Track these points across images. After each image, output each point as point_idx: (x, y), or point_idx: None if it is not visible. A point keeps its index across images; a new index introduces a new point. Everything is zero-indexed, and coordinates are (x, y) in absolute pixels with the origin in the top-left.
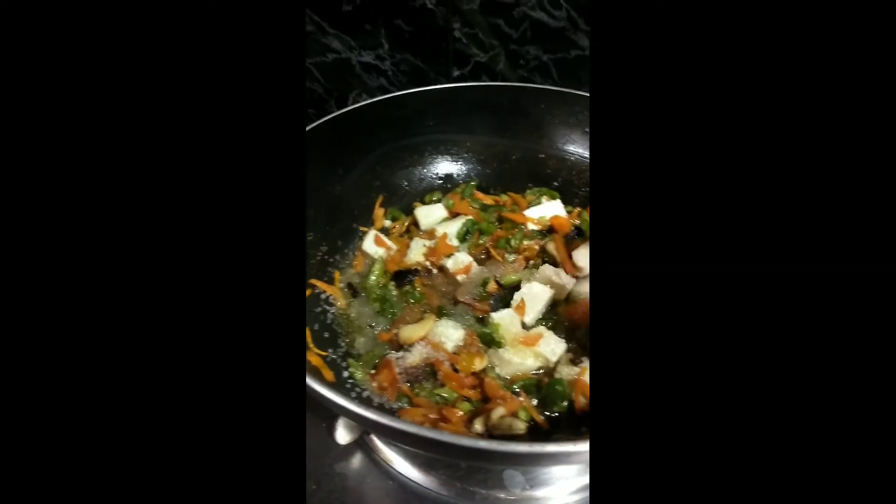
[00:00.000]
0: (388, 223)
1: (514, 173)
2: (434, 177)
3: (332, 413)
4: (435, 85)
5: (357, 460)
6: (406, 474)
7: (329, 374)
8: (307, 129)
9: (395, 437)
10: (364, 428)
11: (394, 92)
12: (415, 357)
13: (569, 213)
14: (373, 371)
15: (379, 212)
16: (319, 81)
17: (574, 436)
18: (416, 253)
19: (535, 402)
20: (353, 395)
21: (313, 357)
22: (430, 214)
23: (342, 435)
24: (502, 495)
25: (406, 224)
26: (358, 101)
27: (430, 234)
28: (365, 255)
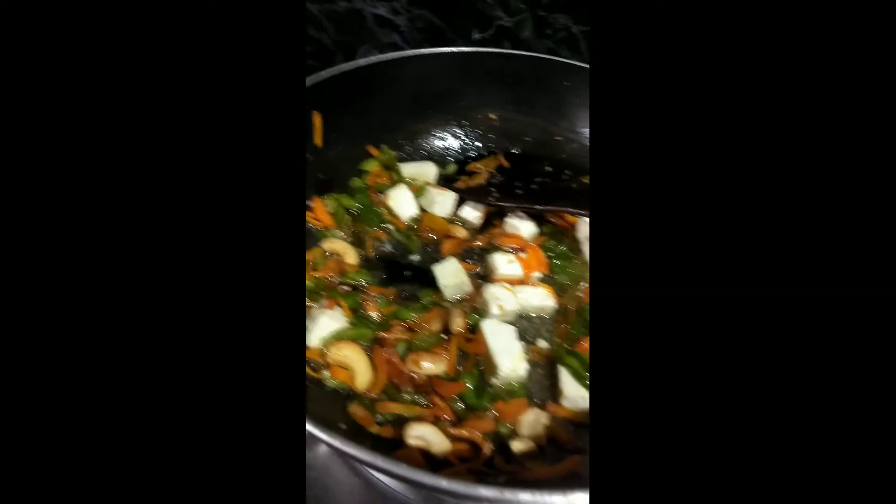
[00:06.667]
0: None
1: (524, 156)
2: (436, 150)
3: None
4: (452, 46)
5: (322, 450)
6: (371, 471)
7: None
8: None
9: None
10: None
11: (406, 50)
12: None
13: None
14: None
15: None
16: (327, 32)
17: None
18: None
19: None
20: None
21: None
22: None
23: None
24: None
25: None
26: (367, 57)
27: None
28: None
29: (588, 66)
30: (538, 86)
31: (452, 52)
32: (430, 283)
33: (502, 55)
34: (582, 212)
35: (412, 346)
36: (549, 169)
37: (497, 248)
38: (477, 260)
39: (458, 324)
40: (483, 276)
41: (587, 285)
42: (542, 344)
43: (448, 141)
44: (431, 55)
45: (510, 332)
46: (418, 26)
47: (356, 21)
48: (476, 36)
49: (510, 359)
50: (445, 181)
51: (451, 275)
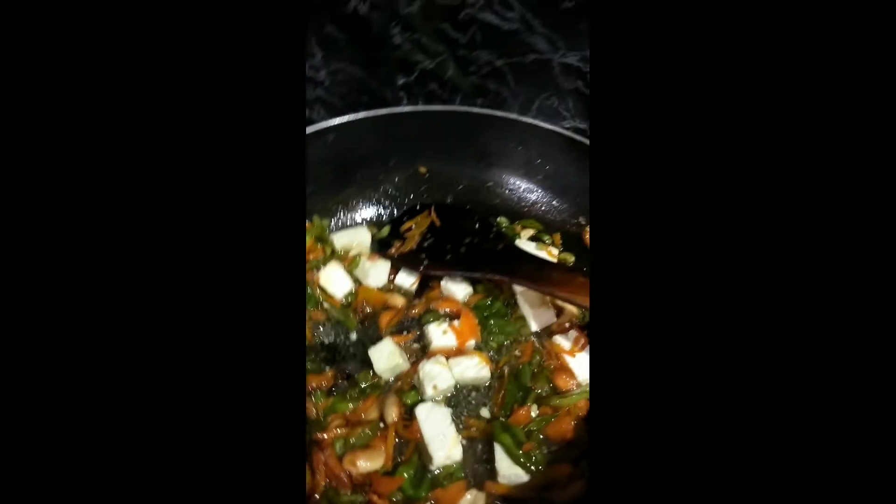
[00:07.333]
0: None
1: (456, 208)
2: (369, 212)
3: None
4: (378, 96)
5: None
6: None
7: None
8: None
9: None
10: None
11: (333, 103)
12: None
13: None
14: None
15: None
16: None
17: None
18: None
19: None
20: None
21: None
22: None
23: None
24: None
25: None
26: None
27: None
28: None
29: (506, 115)
30: (462, 137)
31: (372, 117)
32: (369, 360)
33: (418, 114)
34: (504, 277)
35: (349, 444)
36: (478, 226)
37: (433, 313)
38: (414, 328)
39: (393, 414)
40: (421, 342)
41: (523, 343)
42: (484, 413)
43: (381, 200)
44: (351, 122)
45: (444, 415)
46: (340, 79)
47: None
48: (401, 81)
49: (444, 446)
50: (380, 245)
51: (386, 358)
